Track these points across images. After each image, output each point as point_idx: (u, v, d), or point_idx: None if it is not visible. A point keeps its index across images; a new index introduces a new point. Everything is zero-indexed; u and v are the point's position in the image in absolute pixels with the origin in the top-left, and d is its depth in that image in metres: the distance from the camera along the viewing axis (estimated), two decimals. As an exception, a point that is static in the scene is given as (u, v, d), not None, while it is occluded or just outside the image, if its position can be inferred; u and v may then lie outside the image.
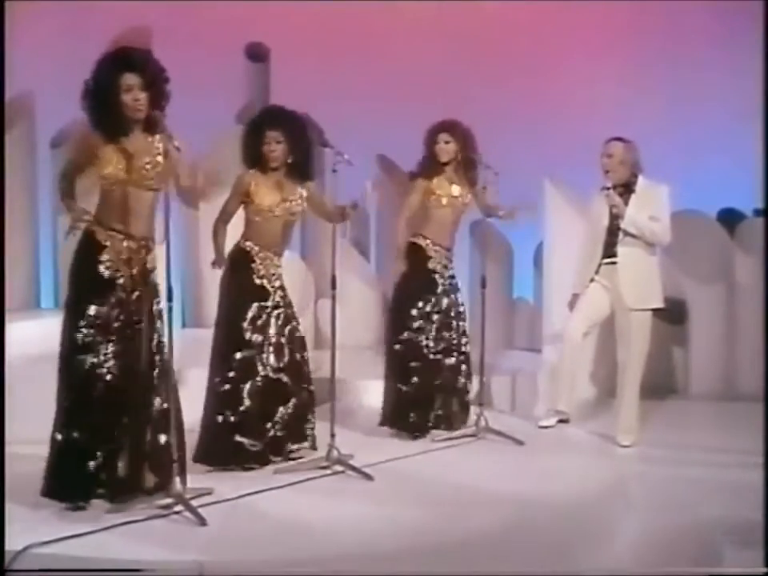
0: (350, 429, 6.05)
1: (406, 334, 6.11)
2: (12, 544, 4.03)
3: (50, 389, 5.66)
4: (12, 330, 5.97)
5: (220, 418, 5.31)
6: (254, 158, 5.48)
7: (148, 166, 4.56)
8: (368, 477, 5.19)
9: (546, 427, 6.30)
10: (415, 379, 6.08)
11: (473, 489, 5.12)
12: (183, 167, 4.60)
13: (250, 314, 5.38)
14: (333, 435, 5.28)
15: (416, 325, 6.10)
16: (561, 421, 6.35)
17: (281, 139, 5.41)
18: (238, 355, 5.34)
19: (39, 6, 8.11)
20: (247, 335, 5.36)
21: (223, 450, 5.30)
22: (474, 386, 6.30)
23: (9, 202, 7.11)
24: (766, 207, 6.84)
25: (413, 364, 6.09)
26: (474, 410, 6.21)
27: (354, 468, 5.25)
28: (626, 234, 5.88)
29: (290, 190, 5.50)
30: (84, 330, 4.53)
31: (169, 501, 4.52)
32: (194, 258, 8.17)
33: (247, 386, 5.33)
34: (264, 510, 4.71)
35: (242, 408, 5.32)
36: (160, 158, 4.57)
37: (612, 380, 6.24)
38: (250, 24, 8.75)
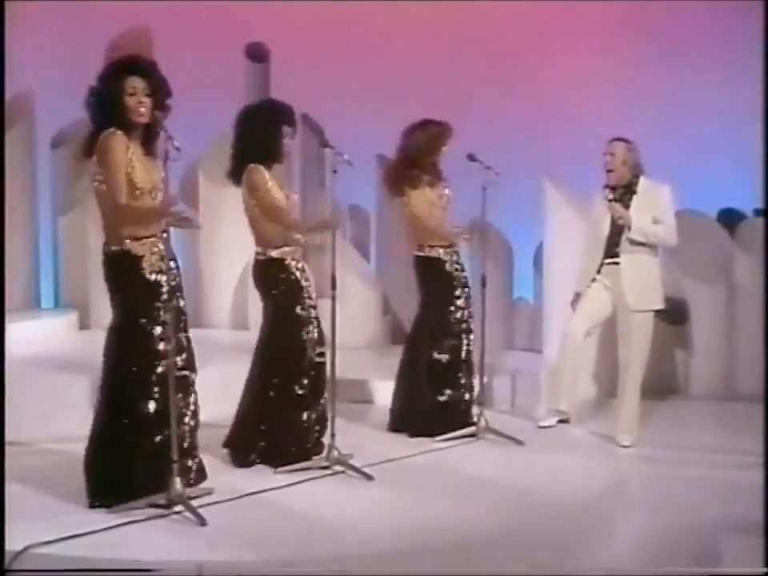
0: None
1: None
2: (12, 544, 4.03)
3: (49, 389, 5.67)
4: (12, 330, 5.97)
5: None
6: (275, 151, 5.35)
7: (161, 182, 4.59)
8: (368, 477, 5.19)
9: (546, 427, 6.30)
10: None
11: (473, 489, 5.12)
12: None
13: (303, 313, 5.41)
14: (333, 435, 5.28)
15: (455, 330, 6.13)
16: (561, 421, 6.35)
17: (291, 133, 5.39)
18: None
19: (39, 5, 8.11)
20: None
21: None
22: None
23: (9, 202, 7.10)
24: (766, 207, 6.83)
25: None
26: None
27: (354, 468, 5.25)
28: (633, 242, 5.87)
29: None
30: (161, 333, 4.59)
31: (169, 501, 4.52)
32: (193, 258, 8.17)
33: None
34: (264, 510, 4.71)
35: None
36: (162, 174, 4.57)
37: (612, 380, 6.23)
38: (250, 24, 8.75)
